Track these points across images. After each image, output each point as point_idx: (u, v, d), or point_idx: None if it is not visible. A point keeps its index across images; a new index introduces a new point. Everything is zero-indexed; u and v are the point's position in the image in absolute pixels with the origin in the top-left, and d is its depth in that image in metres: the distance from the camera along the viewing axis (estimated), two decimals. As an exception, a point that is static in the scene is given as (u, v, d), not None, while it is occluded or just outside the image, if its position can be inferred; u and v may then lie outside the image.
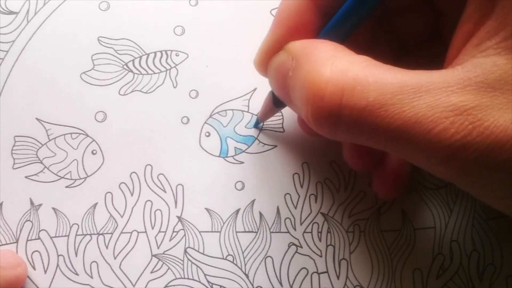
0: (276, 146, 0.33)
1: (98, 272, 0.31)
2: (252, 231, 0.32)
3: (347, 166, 0.32)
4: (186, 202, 0.32)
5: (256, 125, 0.34)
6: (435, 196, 0.33)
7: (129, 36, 0.35)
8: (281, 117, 0.34)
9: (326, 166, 0.33)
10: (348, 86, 0.22)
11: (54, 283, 0.31)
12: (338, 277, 0.31)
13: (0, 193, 0.32)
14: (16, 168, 0.32)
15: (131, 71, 0.34)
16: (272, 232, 0.32)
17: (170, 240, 0.32)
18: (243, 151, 0.33)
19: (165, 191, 0.32)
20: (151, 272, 0.31)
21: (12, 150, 0.33)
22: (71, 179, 0.32)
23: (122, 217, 0.32)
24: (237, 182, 0.33)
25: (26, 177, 0.32)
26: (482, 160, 0.19)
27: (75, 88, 0.34)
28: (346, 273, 0.32)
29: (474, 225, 0.32)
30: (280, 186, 0.33)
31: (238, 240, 0.32)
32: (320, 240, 0.32)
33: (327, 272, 0.32)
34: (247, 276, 0.31)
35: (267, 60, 0.28)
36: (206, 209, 0.32)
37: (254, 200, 0.32)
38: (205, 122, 0.34)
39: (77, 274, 0.31)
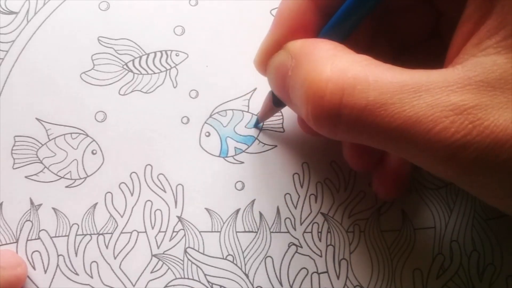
0: (276, 146, 0.33)
1: (98, 272, 0.31)
2: (252, 231, 0.32)
3: (347, 166, 0.32)
4: (186, 202, 0.32)
5: (256, 125, 0.34)
6: (435, 196, 0.33)
7: (129, 36, 0.35)
8: (281, 117, 0.34)
9: (326, 166, 0.33)
10: (348, 85, 0.22)
11: (54, 283, 0.31)
12: (338, 277, 0.31)
13: (0, 193, 0.32)
14: (16, 168, 0.32)
15: (131, 71, 0.34)
16: (272, 232, 0.32)
17: (170, 240, 0.32)
18: (243, 151, 0.33)
19: (165, 191, 0.32)
20: (151, 272, 0.31)
21: (12, 150, 0.33)
22: (71, 179, 0.32)
23: (122, 217, 0.32)
24: (237, 182, 0.33)
25: (26, 177, 0.32)
26: (482, 159, 0.19)
27: (75, 88, 0.34)
28: (346, 273, 0.32)
29: (474, 225, 0.32)
30: (280, 186, 0.33)
31: (238, 240, 0.32)
32: (320, 240, 0.32)
33: (327, 272, 0.32)
34: (247, 276, 0.31)
35: (267, 59, 0.28)
36: (206, 209, 0.32)
37: (254, 200, 0.32)
38: (205, 122, 0.34)
39: (77, 274, 0.31)
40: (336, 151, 0.32)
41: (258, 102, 0.34)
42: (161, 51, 0.35)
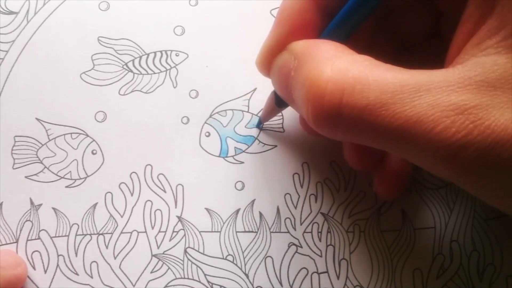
0: (276, 146, 0.33)
1: (98, 272, 0.31)
2: (252, 231, 0.32)
3: (347, 166, 0.32)
4: (186, 202, 0.32)
5: (258, 125, 0.34)
6: (435, 196, 0.33)
7: (129, 36, 0.35)
8: (281, 117, 0.34)
9: (326, 166, 0.33)
10: (349, 85, 0.22)
11: (54, 283, 0.31)
12: (338, 277, 0.31)
13: (0, 193, 0.32)
14: (16, 168, 0.32)
15: (131, 71, 0.34)
16: (272, 232, 0.32)
17: (170, 240, 0.32)
18: (243, 151, 0.33)
19: (165, 191, 0.32)
20: (151, 272, 0.31)
21: (12, 150, 0.33)
22: (71, 179, 0.32)
23: (122, 217, 0.32)
24: (237, 182, 0.33)
25: (26, 177, 0.32)
26: (482, 159, 0.19)
27: (75, 88, 0.34)
28: (346, 273, 0.32)
29: (474, 225, 0.32)
30: (280, 186, 0.33)
31: (238, 240, 0.32)
32: (320, 240, 0.32)
33: (327, 272, 0.32)
34: (247, 276, 0.31)
35: (269, 60, 0.28)
36: (206, 209, 0.32)
37: (254, 200, 0.32)
38: (205, 122, 0.34)
39: (77, 274, 0.31)
40: (336, 151, 0.32)
41: (258, 102, 0.34)
42: (161, 51, 0.35)
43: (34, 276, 0.31)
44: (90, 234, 0.32)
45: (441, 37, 0.29)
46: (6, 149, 0.33)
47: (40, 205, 0.32)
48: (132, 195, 0.32)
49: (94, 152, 0.33)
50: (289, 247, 0.32)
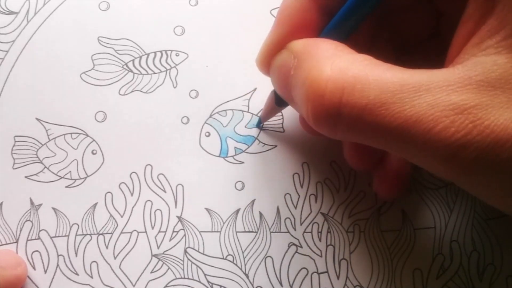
0: (276, 146, 0.33)
1: (98, 272, 0.31)
2: (252, 231, 0.32)
3: (347, 166, 0.32)
4: (186, 202, 0.32)
5: (258, 125, 0.34)
6: (435, 196, 0.33)
7: (129, 36, 0.35)
8: (281, 117, 0.34)
9: (326, 166, 0.33)
10: (348, 84, 0.22)
11: (54, 283, 0.31)
12: (338, 277, 0.31)
13: (0, 193, 0.32)
14: (16, 168, 0.32)
15: (131, 71, 0.34)
16: (272, 232, 0.32)
17: (170, 240, 0.32)
18: (243, 151, 0.33)
19: (165, 191, 0.32)
20: (151, 272, 0.31)
21: (12, 150, 0.33)
22: (71, 179, 0.32)
23: (122, 217, 0.32)
24: (237, 182, 0.33)
25: (26, 177, 0.32)
26: (482, 159, 0.19)
27: (75, 88, 0.34)
28: (346, 273, 0.31)
29: (474, 225, 0.32)
30: (280, 186, 0.33)
31: (238, 240, 0.32)
32: (320, 240, 0.32)
33: (327, 272, 0.32)
34: (247, 276, 0.31)
35: (269, 59, 0.28)
36: (206, 209, 0.32)
37: (254, 200, 0.32)
38: (205, 122, 0.34)
39: (77, 274, 0.31)
40: (336, 151, 0.32)
41: (258, 102, 0.34)
42: (161, 51, 0.35)
43: (34, 276, 0.31)
44: (90, 234, 0.32)
45: (441, 37, 0.29)
46: (6, 149, 0.33)
47: (40, 205, 0.32)
48: (132, 195, 0.32)
49: (94, 152, 0.33)
50: (289, 247, 0.32)
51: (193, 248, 0.32)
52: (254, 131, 0.34)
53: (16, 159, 0.33)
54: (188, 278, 0.31)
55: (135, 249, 0.32)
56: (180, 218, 0.32)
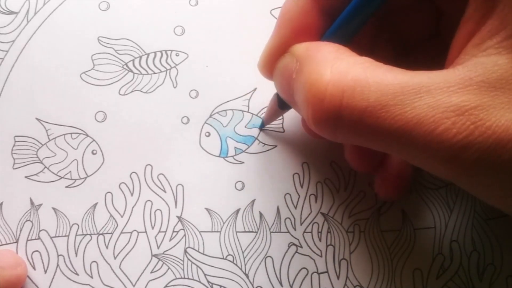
0: (276, 146, 0.33)
1: (98, 272, 0.31)
2: (252, 231, 0.32)
3: (347, 166, 0.32)
4: (186, 202, 0.32)
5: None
6: (435, 196, 0.33)
7: (129, 36, 0.35)
8: (281, 117, 0.34)
9: (326, 166, 0.33)
10: (348, 87, 0.22)
11: (54, 283, 0.31)
12: (338, 277, 0.31)
13: (0, 193, 0.32)
14: (16, 168, 0.32)
15: (131, 71, 0.34)
16: (272, 232, 0.32)
17: (170, 240, 0.32)
18: (243, 151, 0.33)
19: (165, 191, 0.32)
20: (151, 272, 0.31)
21: (12, 150, 0.33)
22: (71, 179, 0.32)
23: (122, 217, 0.32)
24: (237, 182, 0.33)
25: (26, 177, 0.32)
26: (484, 160, 0.19)
27: (75, 88, 0.34)
28: (346, 273, 0.32)
29: (474, 225, 0.32)
30: (280, 186, 0.33)
31: (238, 240, 0.32)
32: (320, 240, 0.32)
33: (327, 272, 0.32)
34: (247, 276, 0.31)
35: (271, 63, 0.28)
36: (206, 209, 0.32)
37: (254, 200, 0.32)
38: (205, 122, 0.34)
39: (77, 274, 0.31)
40: (336, 151, 0.32)
41: (258, 102, 0.34)
42: (161, 51, 0.35)
43: (34, 276, 0.31)
44: (90, 234, 0.32)
45: (442, 37, 0.29)
46: (6, 149, 0.33)
47: (40, 205, 0.32)
48: (132, 195, 0.32)
49: (94, 152, 0.33)
50: (289, 247, 0.32)
51: (193, 248, 0.32)
52: (254, 131, 0.34)
53: (16, 159, 0.33)
54: (188, 278, 0.31)
55: (135, 249, 0.32)
56: (180, 218, 0.32)
